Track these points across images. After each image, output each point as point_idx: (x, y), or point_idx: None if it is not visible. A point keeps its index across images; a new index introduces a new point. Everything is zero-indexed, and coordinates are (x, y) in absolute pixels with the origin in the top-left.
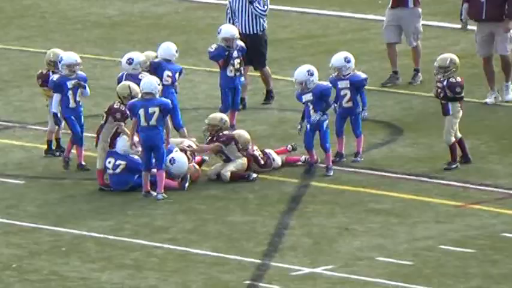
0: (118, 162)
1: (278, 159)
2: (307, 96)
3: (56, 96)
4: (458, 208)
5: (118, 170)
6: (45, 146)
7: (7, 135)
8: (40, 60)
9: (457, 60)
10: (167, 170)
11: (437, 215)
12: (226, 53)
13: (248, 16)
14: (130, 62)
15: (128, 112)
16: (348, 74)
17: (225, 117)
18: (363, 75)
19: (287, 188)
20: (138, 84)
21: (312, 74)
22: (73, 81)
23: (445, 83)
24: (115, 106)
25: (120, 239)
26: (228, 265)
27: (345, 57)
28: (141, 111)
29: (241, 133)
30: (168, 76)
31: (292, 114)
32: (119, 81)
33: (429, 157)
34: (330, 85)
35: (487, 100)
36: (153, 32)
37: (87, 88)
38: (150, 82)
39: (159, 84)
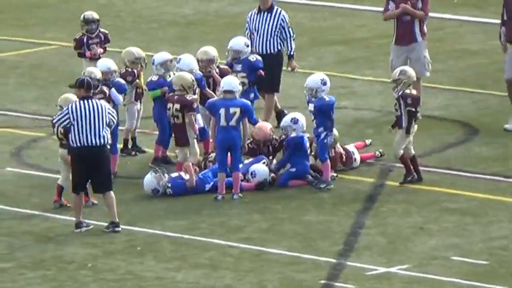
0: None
1: (358, 158)
2: (311, 106)
3: None
4: None
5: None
6: (122, 145)
7: None
8: (114, 59)
9: (410, 72)
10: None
11: None
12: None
13: (263, 36)
14: (152, 61)
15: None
16: (317, 97)
17: None
18: (327, 99)
19: (362, 187)
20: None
21: (324, 83)
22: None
23: (399, 93)
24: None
25: (195, 238)
26: (304, 264)
27: (321, 79)
28: (222, 111)
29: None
30: None
31: (369, 113)
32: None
33: (505, 156)
34: (332, 101)
35: (507, 126)
36: (228, 31)
37: (119, 96)
38: (230, 80)
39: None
